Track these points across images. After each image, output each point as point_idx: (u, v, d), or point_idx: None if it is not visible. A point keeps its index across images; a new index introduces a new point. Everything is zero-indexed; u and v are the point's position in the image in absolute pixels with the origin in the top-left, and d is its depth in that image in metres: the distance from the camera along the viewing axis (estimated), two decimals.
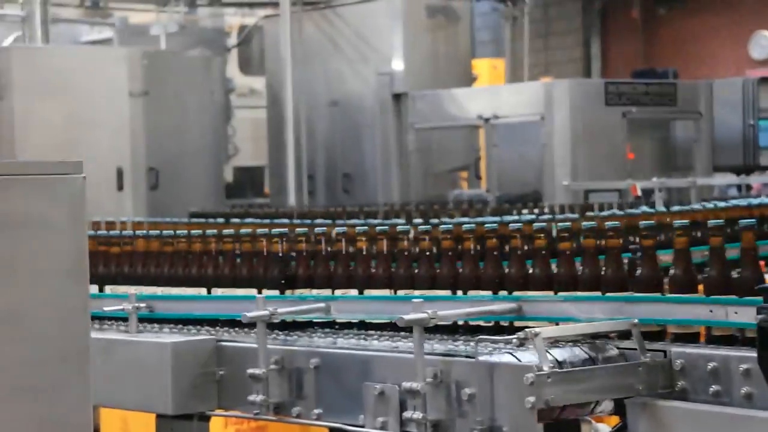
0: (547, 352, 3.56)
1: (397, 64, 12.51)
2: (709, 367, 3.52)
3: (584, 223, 3.95)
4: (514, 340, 3.50)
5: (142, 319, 4.46)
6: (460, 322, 4.07)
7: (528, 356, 3.55)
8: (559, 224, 3.96)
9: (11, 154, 10.93)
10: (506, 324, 3.98)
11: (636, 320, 3.68)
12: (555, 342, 3.68)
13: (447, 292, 4.09)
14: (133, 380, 4.19)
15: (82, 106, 11.07)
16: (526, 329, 3.50)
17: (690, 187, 10.17)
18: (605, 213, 4.89)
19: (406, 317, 3.56)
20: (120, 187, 11.18)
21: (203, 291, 4.42)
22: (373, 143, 13.17)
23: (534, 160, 11.78)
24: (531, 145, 11.83)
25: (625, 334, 3.74)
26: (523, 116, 11.68)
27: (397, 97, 12.59)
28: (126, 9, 14.88)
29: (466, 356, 3.63)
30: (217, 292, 4.34)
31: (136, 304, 4.35)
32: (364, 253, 4.29)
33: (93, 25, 13.69)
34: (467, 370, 3.60)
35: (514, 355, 3.58)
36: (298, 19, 13.37)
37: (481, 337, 3.59)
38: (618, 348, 3.75)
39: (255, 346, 4.01)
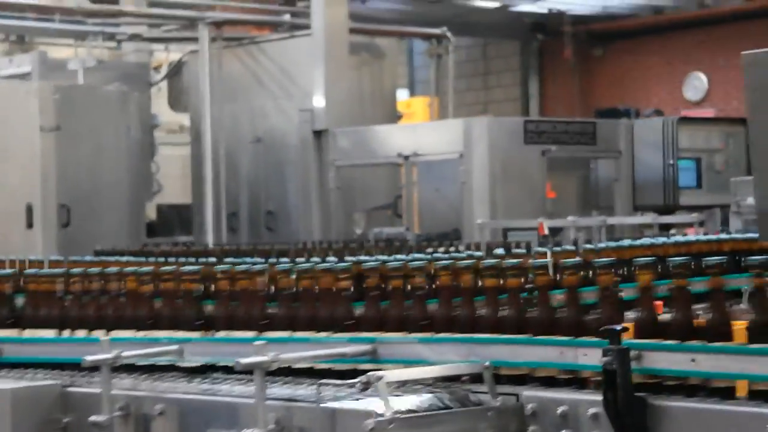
0: (399, 395, 3.43)
1: (318, 101, 12.38)
2: (559, 411, 3.40)
3: (438, 263, 3.82)
4: (358, 385, 3.35)
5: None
6: (325, 366, 3.91)
7: (374, 402, 3.39)
8: (413, 263, 3.83)
9: None
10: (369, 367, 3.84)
11: (488, 363, 3.55)
12: (407, 386, 3.54)
13: (311, 333, 3.94)
14: None
15: None
16: (369, 373, 3.36)
17: (601, 226, 10.08)
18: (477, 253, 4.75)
19: (244, 361, 3.40)
20: (30, 224, 10.94)
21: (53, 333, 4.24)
22: (296, 180, 13.04)
23: (454, 198, 11.67)
24: (451, 183, 11.72)
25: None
26: (443, 154, 11.57)
27: (318, 134, 12.46)
28: (49, 44, 14.69)
29: (310, 402, 3.48)
30: (65, 333, 4.17)
31: None
32: (223, 293, 4.13)
33: (10, 58, 13.44)
34: (309, 416, 3.45)
35: (359, 400, 3.43)
36: (221, 55, 13.22)
37: (323, 381, 3.44)
38: (473, 392, 3.61)
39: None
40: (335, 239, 11.24)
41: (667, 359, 3.32)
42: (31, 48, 14.63)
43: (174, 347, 3.96)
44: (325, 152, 12.40)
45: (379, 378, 3.32)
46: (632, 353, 3.33)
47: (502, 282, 3.70)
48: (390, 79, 13.61)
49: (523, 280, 3.72)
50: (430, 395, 3.53)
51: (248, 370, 3.44)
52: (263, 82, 13.51)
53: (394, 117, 13.62)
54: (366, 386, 3.34)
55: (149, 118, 14.52)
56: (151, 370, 4.06)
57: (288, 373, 3.85)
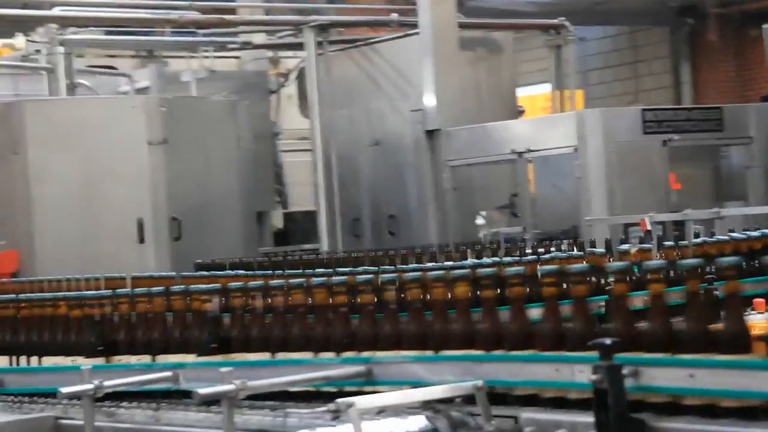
0: (377, 420, 3.13)
1: (429, 100, 12.08)
2: None
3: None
4: (328, 413, 3.07)
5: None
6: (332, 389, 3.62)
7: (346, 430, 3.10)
8: (407, 275, 3.52)
9: (27, 210, 10.74)
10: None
11: (480, 382, 3.23)
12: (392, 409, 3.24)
13: (306, 354, 3.67)
14: None
15: (99, 158, 10.82)
16: (338, 400, 3.06)
17: (714, 218, 9.55)
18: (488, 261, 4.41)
19: (203, 391, 3.14)
20: (141, 239, 10.88)
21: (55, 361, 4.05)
22: (415, 183, 12.78)
23: (571, 195, 11.25)
24: (568, 179, 11.30)
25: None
26: (557, 149, 11.15)
27: (431, 134, 12.17)
28: (174, 56, 14.65)
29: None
30: (49, 362, 3.98)
31: None
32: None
33: (129, 75, 13.45)
34: None
35: (332, 428, 3.14)
36: (330, 59, 13.04)
37: (289, 410, 3.16)
38: (474, 414, 3.29)
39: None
40: (443, 242, 10.96)
41: (663, 375, 2.95)
42: (157, 62, 14.65)
43: (167, 374, 3.73)
44: (438, 152, 12.10)
45: (349, 405, 3.02)
46: (627, 369, 2.98)
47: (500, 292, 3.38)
48: (507, 73, 13.23)
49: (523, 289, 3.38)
50: (419, 418, 3.22)
51: (212, 401, 3.18)
52: (379, 83, 13.27)
53: (514, 113, 13.24)
54: (336, 414, 3.05)
55: (269, 127, 14.43)
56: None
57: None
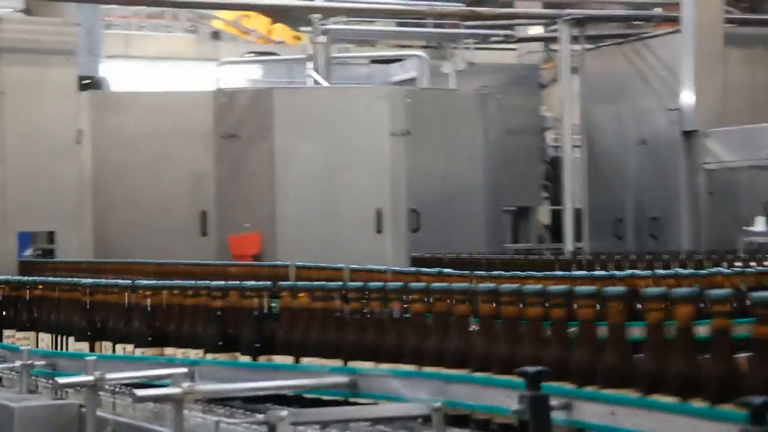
0: None
1: (688, 99, 11.60)
2: None
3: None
4: (258, 424, 2.96)
5: None
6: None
7: None
8: (389, 285, 3.36)
9: (271, 194, 10.98)
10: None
11: (438, 404, 3.04)
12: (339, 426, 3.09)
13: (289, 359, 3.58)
14: None
15: (342, 146, 10.96)
16: (270, 412, 2.95)
17: None
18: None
19: (150, 393, 3.10)
20: (379, 230, 10.95)
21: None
22: (678, 185, 12.33)
23: None
24: None
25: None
26: None
27: (688, 135, 11.69)
28: (460, 48, 14.66)
29: None
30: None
31: (28, 362, 4.08)
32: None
33: (401, 64, 13.56)
34: None
35: None
36: (605, 54, 12.73)
37: (220, 420, 3.06)
38: None
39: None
40: (695, 249, 10.51)
41: (592, 411, 2.70)
42: (448, 53, 14.70)
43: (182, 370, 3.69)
44: (695, 154, 11.62)
45: (281, 418, 2.91)
46: (559, 401, 2.74)
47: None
48: None
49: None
50: None
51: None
52: (648, 80, 12.86)
53: None
54: (270, 427, 2.93)
55: (539, 121, 14.25)
56: None
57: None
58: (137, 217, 11.26)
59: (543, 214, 14.51)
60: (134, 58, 16.43)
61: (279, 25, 14.94)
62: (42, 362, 4.13)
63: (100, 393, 3.58)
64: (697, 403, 2.46)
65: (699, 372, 2.51)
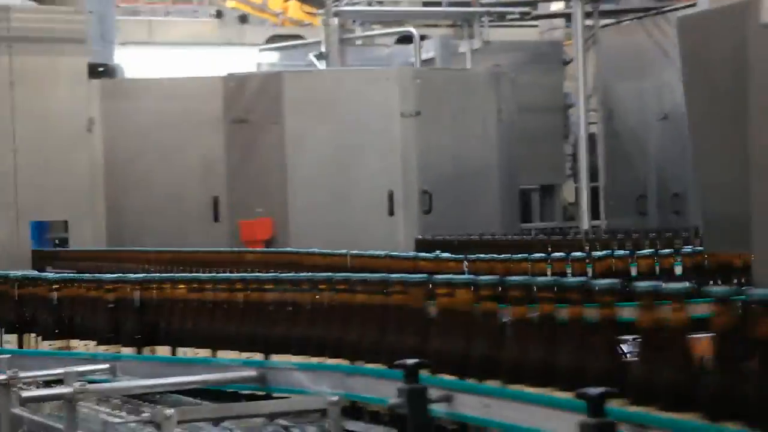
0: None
1: None
2: None
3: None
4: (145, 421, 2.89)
5: None
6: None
7: None
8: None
9: (283, 179, 10.92)
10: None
11: (335, 398, 2.96)
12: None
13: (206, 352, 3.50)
14: None
15: (353, 129, 10.87)
16: (157, 408, 2.88)
17: None
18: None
19: (25, 394, 3.03)
20: (391, 212, 10.86)
21: None
22: None
23: None
24: None
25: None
26: None
27: None
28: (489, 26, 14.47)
29: None
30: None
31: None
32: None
33: (421, 45, 13.42)
34: None
35: None
36: (626, 29, 12.56)
37: (107, 419, 2.99)
38: (346, 430, 3.02)
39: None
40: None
41: (469, 403, 2.60)
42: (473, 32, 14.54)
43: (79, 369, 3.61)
44: None
45: (167, 416, 2.82)
46: (438, 394, 2.65)
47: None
48: None
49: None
50: None
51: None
52: (669, 54, 12.65)
53: None
54: (156, 426, 2.85)
55: (561, 98, 14.08)
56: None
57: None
58: (149, 204, 11.24)
59: (568, 192, 14.35)
60: (159, 44, 16.41)
61: (293, 3, 14.83)
62: None
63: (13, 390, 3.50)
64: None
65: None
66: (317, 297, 3.19)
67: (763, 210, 3.04)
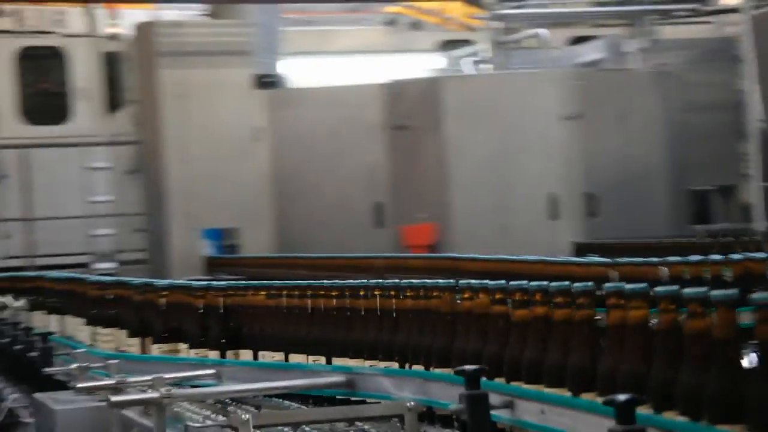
0: None
1: None
2: None
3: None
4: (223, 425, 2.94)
5: None
6: None
7: None
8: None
9: (444, 184, 10.94)
10: None
11: (411, 403, 2.96)
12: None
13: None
14: None
15: (514, 132, 10.82)
16: (232, 414, 2.92)
17: None
18: None
19: (114, 398, 3.11)
20: (554, 216, 10.77)
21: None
22: None
23: None
24: None
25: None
26: None
27: None
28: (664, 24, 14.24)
29: None
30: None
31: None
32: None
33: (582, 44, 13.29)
34: None
35: None
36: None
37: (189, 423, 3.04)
38: None
39: None
40: None
41: (528, 409, 2.57)
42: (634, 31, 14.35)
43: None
44: None
45: (244, 421, 2.87)
46: (501, 400, 2.62)
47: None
48: None
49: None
50: None
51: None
52: None
53: None
54: (233, 429, 2.90)
55: (735, 96, 13.74)
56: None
57: None
58: (316, 211, 11.40)
59: (748, 192, 13.98)
60: (329, 53, 16.61)
61: (461, 7, 14.79)
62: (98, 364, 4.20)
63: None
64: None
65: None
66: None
67: None
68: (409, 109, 11.09)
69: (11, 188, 15.43)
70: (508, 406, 2.61)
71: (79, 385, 3.59)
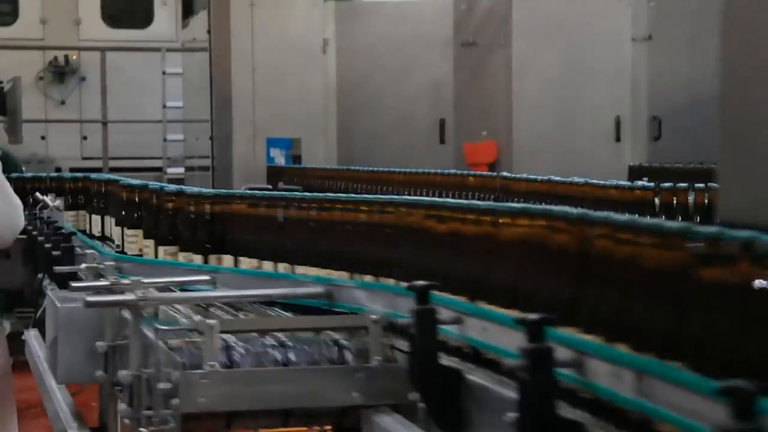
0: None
1: None
2: None
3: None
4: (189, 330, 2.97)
5: None
6: None
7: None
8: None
9: (508, 102, 10.86)
10: None
11: (377, 316, 2.96)
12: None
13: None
14: None
15: (581, 53, 10.67)
16: (198, 319, 2.95)
17: None
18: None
19: (90, 299, 3.15)
20: (618, 138, 10.66)
21: None
22: None
23: None
24: None
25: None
26: None
27: None
28: None
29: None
30: None
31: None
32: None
33: None
34: None
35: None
36: None
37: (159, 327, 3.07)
38: (394, 348, 3.03)
39: None
40: None
41: (471, 325, 2.57)
42: None
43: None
44: None
45: (211, 326, 2.89)
46: (448, 315, 2.62)
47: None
48: None
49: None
50: (306, 346, 2.99)
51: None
52: None
53: None
54: (200, 333, 2.93)
55: None
56: None
57: None
58: (378, 125, 11.40)
59: None
60: None
61: None
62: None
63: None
64: None
65: None
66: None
67: None
68: (478, 26, 10.99)
69: (90, 91, 15.63)
70: (457, 322, 2.61)
71: (74, 284, 3.64)
